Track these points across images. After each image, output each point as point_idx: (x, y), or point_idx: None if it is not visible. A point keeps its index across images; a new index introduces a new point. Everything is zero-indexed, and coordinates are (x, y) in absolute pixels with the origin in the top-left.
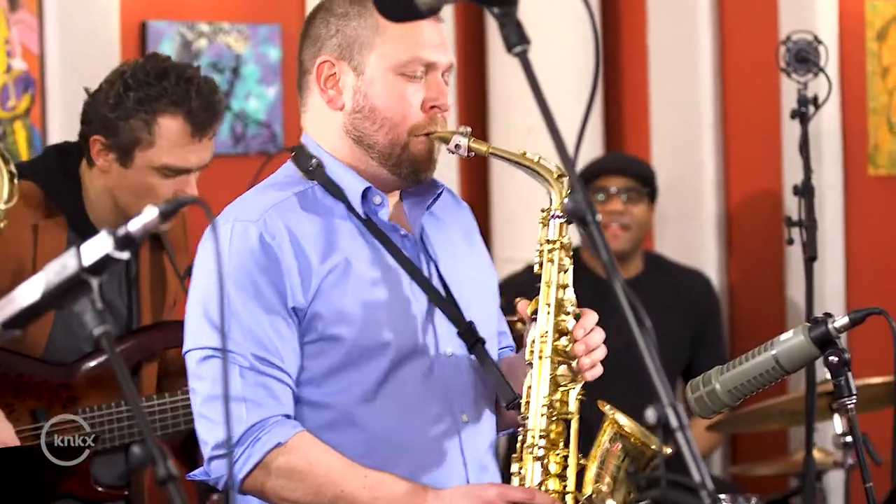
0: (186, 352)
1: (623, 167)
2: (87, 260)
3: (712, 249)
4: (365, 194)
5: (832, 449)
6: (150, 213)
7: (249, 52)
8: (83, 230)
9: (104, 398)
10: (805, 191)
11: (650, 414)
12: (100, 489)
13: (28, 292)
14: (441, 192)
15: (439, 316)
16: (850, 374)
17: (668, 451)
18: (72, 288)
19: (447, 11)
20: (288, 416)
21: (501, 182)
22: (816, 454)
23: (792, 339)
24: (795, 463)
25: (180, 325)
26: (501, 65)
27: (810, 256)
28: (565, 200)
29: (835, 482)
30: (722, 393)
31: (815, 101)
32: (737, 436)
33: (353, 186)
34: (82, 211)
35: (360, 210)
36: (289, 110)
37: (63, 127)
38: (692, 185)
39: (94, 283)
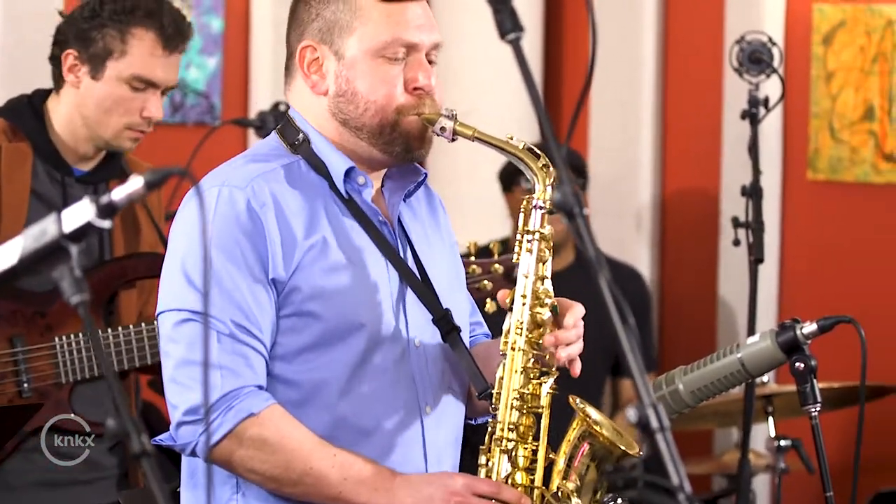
0: (161, 312)
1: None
2: (68, 227)
3: (645, 247)
4: (348, 173)
5: (764, 452)
6: (135, 183)
7: (192, 20)
8: (48, 157)
9: (79, 327)
10: (753, 192)
11: (631, 413)
12: (87, 421)
13: (4, 257)
14: (424, 178)
15: (414, 302)
16: (815, 381)
17: (638, 453)
18: (50, 254)
19: None
20: (261, 387)
21: (442, 168)
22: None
23: (758, 344)
24: (721, 464)
25: (158, 256)
26: (445, 46)
27: (756, 258)
28: (553, 192)
29: (761, 486)
30: (685, 393)
31: (765, 102)
32: None
33: (337, 165)
34: (47, 138)
35: (342, 189)
36: (228, 82)
37: (4, 87)
38: (628, 181)
39: (74, 250)
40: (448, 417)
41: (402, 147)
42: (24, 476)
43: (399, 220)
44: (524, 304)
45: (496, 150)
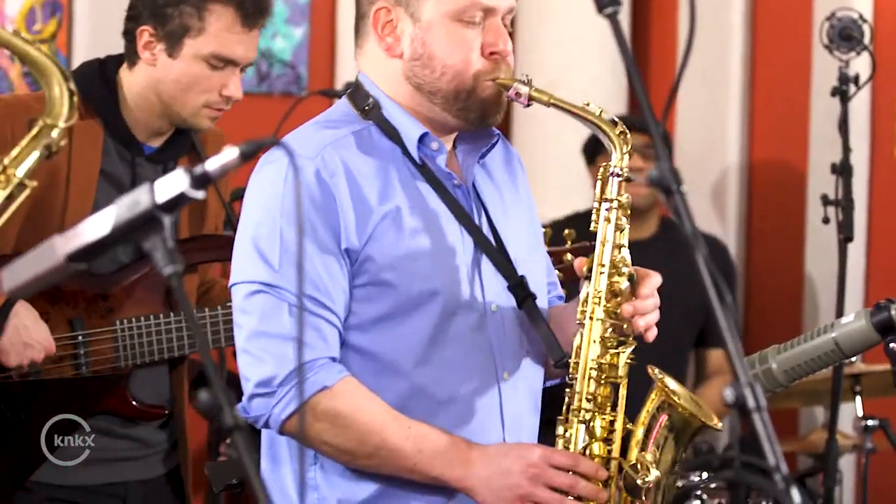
0: (233, 284)
1: (641, 124)
2: (161, 197)
3: (732, 223)
4: (422, 139)
5: (851, 431)
6: (230, 154)
7: None
8: (120, 135)
9: (140, 310)
10: (843, 170)
11: (728, 393)
12: (137, 405)
13: (97, 226)
14: (497, 140)
15: (489, 268)
16: None
17: (719, 426)
18: (143, 224)
19: None
20: (334, 359)
21: (525, 138)
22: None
23: (853, 323)
24: (807, 443)
25: (221, 238)
26: (528, 21)
27: (846, 236)
28: (651, 169)
29: (848, 465)
30: (778, 372)
31: (856, 79)
32: None
33: (410, 131)
34: (119, 116)
35: (415, 155)
36: (315, 52)
37: (89, 53)
38: (715, 157)
39: (167, 221)
40: (525, 383)
41: (477, 113)
42: (76, 451)
43: (473, 185)
44: (602, 273)
45: (573, 117)
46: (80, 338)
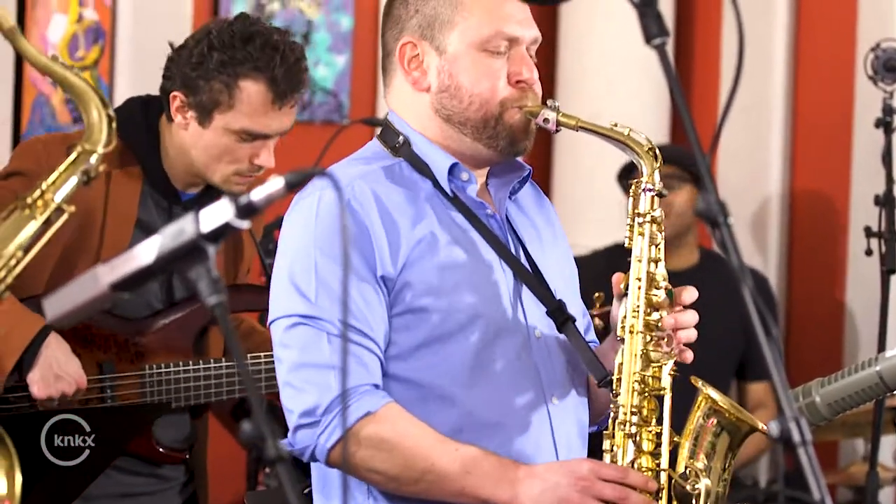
0: (272, 322)
1: (667, 155)
2: (206, 227)
3: (773, 254)
4: (452, 170)
5: (891, 464)
6: (275, 184)
7: (321, 18)
8: (158, 184)
9: (170, 356)
10: (886, 201)
11: (773, 427)
12: (161, 450)
13: (141, 255)
14: (529, 173)
15: (528, 294)
16: None
17: (763, 427)
18: (187, 254)
19: None
20: (377, 386)
21: (565, 168)
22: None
23: None
24: (847, 475)
25: (253, 288)
26: (570, 51)
27: (889, 268)
28: (697, 201)
29: (888, 499)
30: (821, 406)
31: None
32: None
33: (440, 163)
34: (159, 164)
35: (446, 187)
36: (357, 80)
37: (131, 80)
38: (757, 187)
39: (211, 250)
40: (574, 411)
41: (506, 140)
42: (100, 487)
43: (507, 216)
44: (639, 288)
45: (602, 138)
46: (107, 381)
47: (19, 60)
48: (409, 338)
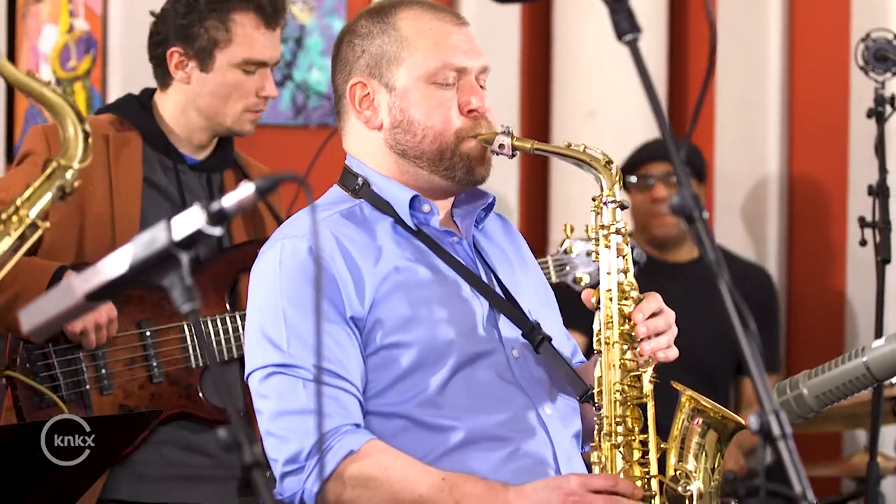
0: (248, 375)
1: (663, 152)
2: (178, 234)
3: (772, 246)
4: (412, 203)
5: (892, 454)
6: (245, 189)
7: (314, 22)
8: (159, 146)
9: (205, 311)
10: (879, 191)
11: (752, 420)
12: (212, 407)
13: (114, 264)
14: (493, 200)
15: (502, 319)
16: None
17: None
18: (160, 262)
19: None
20: (357, 426)
21: (560, 185)
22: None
23: (884, 347)
24: (850, 466)
25: None
26: (565, 49)
27: (883, 258)
28: (671, 197)
29: (890, 488)
30: (809, 398)
31: (892, 100)
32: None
33: (400, 197)
34: (157, 128)
35: (409, 222)
36: None
37: (124, 89)
38: (754, 180)
39: (184, 258)
40: (567, 417)
41: (463, 170)
42: (156, 468)
43: (474, 242)
44: (611, 300)
45: (558, 157)
46: (148, 339)
47: None
48: (386, 375)
